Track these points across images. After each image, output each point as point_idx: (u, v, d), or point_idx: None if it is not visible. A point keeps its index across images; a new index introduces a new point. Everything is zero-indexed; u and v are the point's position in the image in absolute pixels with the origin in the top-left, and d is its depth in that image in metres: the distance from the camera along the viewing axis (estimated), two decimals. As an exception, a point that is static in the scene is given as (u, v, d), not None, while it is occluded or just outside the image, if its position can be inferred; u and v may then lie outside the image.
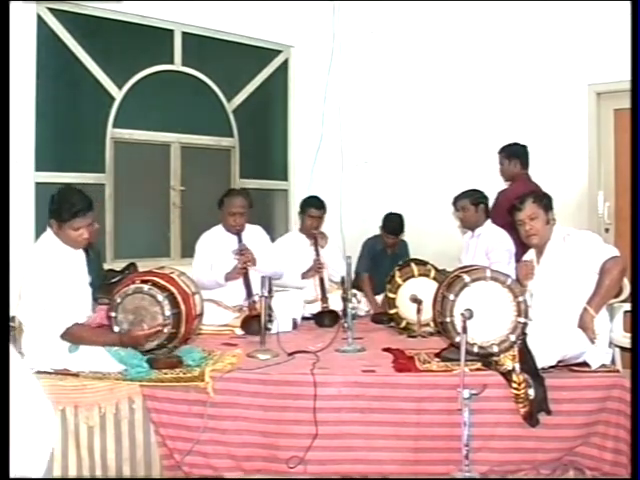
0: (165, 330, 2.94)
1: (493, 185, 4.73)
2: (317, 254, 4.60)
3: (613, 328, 3.59)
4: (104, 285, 3.78)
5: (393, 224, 4.88)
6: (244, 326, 3.86)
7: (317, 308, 4.38)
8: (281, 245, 4.70)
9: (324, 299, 4.41)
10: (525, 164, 4.68)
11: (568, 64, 4.98)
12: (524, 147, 4.70)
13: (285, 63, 5.72)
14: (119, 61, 4.77)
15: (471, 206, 4.41)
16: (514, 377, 2.75)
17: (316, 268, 4.55)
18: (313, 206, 4.75)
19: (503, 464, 2.81)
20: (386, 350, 3.38)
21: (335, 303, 4.29)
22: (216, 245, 4.26)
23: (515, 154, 4.67)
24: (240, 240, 4.18)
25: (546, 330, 3.00)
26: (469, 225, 4.50)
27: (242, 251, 4.12)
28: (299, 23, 5.60)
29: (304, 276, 4.58)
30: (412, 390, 2.85)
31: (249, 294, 4.02)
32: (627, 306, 3.88)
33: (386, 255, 4.95)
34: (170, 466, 2.82)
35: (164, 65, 5.01)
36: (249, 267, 4.10)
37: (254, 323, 3.63)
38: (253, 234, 4.35)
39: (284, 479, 2.80)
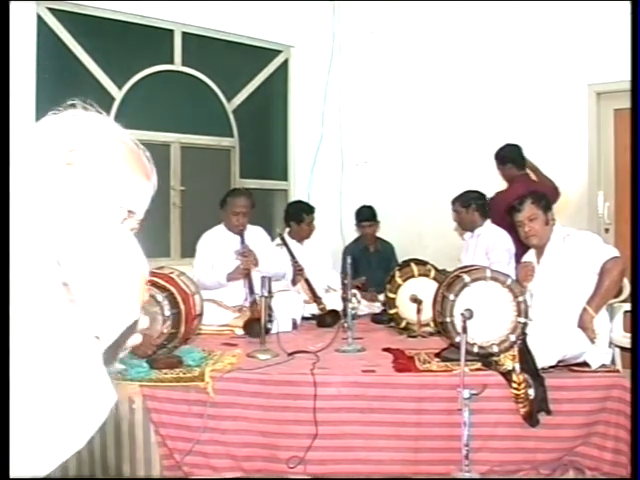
0: (165, 330, 2.94)
1: (493, 185, 4.73)
2: (292, 257, 4.51)
3: (613, 328, 3.59)
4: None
5: (364, 211, 5.07)
6: (246, 328, 3.83)
7: (316, 309, 4.37)
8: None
9: (317, 300, 4.39)
10: (520, 165, 4.64)
11: (568, 64, 4.97)
12: (516, 147, 4.65)
13: (285, 63, 5.71)
14: (119, 61, 4.76)
15: (462, 208, 4.41)
16: (514, 377, 2.75)
17: (297, 271, 4.51)
18: (311, 212, 4.80)
19: (503, 464, 2.81)
20: (386, 350, 3.38)
21: (335, 303, 4.28)
22: (218, 245, 4.25)
23: (506, 158, 4.64)
24: (243, 241, 4.17)
25: (546, 330, 3.01)
26: (464, 226, 4.51)
27: (245, 253, 4.11)
28: (299, 23, 5.59)
29: (293, 283, 4.54)
30: (412, 390, 2.85)
31: (251, 294, 3.98)
32: (627, 306, 3.88)
33: (367, 254, 5.03)
34: (170, 466, 2.82)
35: (164, 65, 5.01)
36: (252, 268, 4.09)
37: (256, 325, 3.59)
38: (254, 235, 4.33)
39: (284, 479, 2.80)
